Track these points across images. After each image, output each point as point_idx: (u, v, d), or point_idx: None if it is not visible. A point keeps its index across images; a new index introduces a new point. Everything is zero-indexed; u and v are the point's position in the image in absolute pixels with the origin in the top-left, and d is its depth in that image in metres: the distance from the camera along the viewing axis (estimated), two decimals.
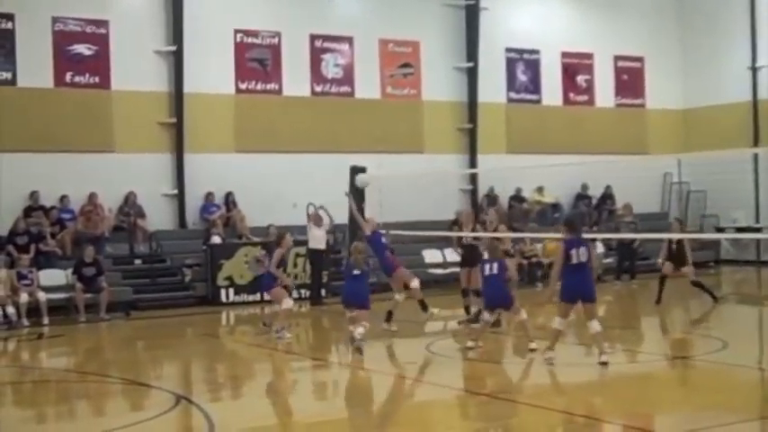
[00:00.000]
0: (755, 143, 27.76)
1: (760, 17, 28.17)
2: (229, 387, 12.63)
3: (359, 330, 13.41)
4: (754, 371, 10.94)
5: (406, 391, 11.91)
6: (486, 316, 13.90)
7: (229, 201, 23.20)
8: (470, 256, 16.20)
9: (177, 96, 22.73)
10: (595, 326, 12.04)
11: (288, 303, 15.77)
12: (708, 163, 27.98)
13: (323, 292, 21.27)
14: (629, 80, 29.60)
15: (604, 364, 11.82)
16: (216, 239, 21.81)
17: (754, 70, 28.34)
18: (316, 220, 20.98)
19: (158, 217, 22.51)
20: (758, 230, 14.71)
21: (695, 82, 29.80)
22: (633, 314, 19.10)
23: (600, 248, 25.12)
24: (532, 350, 13.05)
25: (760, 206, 27.07)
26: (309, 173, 23.44)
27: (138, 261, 21.69)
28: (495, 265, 13.69)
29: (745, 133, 27.93)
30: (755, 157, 27.32)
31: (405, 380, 12.29)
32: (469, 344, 13.63)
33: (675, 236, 18.51)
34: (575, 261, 12.05)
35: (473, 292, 15.92)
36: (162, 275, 21.59)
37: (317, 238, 20.94)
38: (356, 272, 13.91)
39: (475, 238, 16.25)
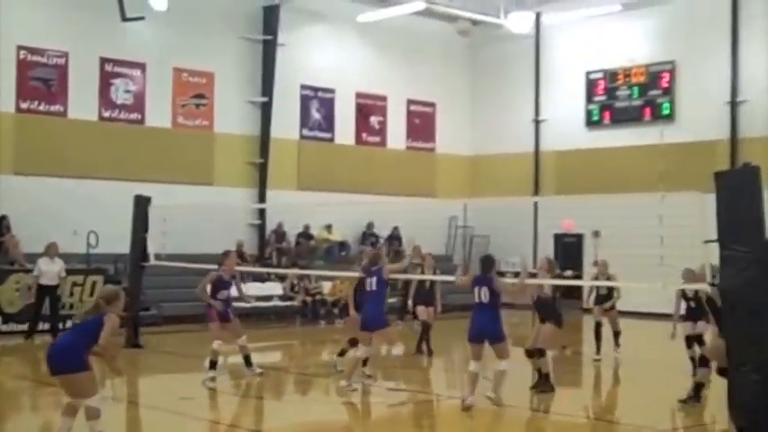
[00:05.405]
0: (536, 192, 29.06)
1: (544, 72, 29.55)
2: None
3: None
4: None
5: (177, 428, 11.50)
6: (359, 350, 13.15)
7: (3, 225, 22.00)
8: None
9: None
10: (503, 365, 11.83)
11: None
12: (492, 209, 29.07)
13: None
14: (421, 124, 30.35)
15: (489, 398, 11.77)
16: None
17: (537, 123, 29.67)
18: (54, 253, 19.60)
19: None
20: (534, 276, 15.42)
21: (483, 130, 30.90)
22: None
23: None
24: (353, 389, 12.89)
25: (537, 252, 28.15)
26: (93, 199, 22.75)
27: None
28: (374, 280, 13.00)
29: (526, 182, 29.18)
30: (535, 205, 28.58)
31: (177, 416, 11.87)
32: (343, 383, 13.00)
33: (427, 277, 18.62)
34: (476, 300, 11.84)
35: (537, 352, 13.60)
36: None
37: (50, 274, 19.43)
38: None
39: None
